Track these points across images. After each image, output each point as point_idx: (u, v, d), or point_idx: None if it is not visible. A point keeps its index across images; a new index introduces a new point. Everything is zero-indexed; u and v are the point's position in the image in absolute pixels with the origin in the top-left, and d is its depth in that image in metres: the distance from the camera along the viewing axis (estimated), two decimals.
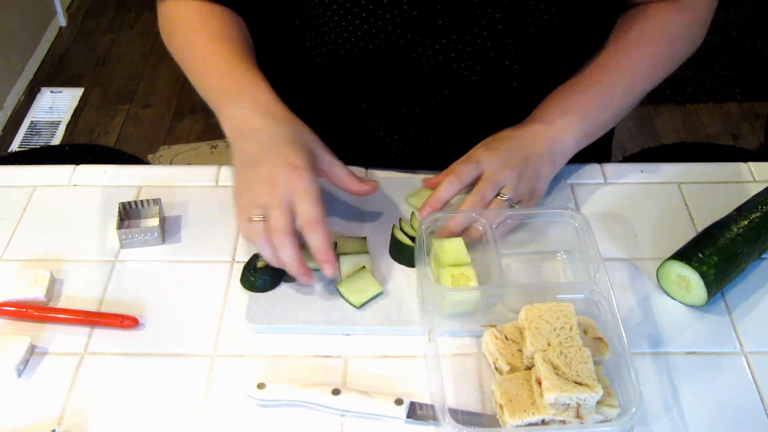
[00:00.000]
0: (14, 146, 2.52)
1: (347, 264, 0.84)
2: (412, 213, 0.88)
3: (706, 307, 0.82)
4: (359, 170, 0.98)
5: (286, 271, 0.79)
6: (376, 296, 0.82)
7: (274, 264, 0.79)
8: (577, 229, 0.85)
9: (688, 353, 0.79)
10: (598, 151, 1.02)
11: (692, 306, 0.83)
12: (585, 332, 0.75)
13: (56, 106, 2.67)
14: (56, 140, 2.54)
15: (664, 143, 2.43)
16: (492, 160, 0.85)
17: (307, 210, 0.76)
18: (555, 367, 0.69)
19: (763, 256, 0.88)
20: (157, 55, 2.90)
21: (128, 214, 0.92)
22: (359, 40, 0.86)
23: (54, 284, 0.85)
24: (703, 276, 0.80)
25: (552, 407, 0.68)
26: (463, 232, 0.85)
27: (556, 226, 0.87)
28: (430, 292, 0.79)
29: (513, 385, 0.71)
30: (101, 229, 0.91)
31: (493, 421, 0.72)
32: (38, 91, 2.73)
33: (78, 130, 2.59)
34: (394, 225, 0.88)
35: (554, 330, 0.72)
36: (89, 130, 2.59)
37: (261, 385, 0.74)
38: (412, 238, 0.86)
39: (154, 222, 0.91)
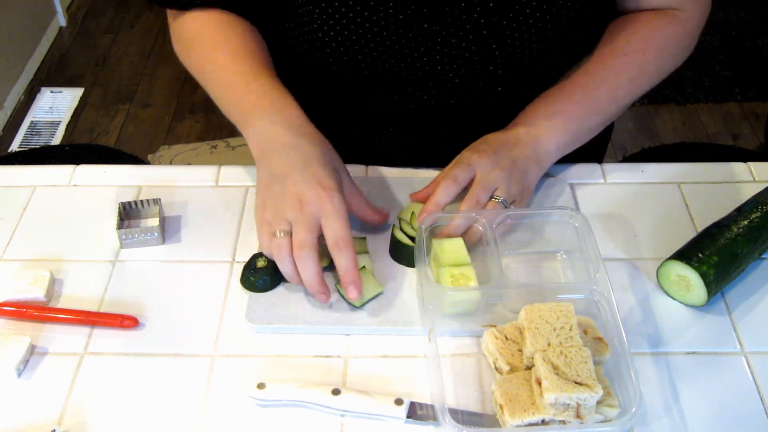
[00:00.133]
0: (14, 146, 2.52)
1: None
2: (412, 213, 0.88)
3: (706, 307, 0.82)
4: (359, 168, 0.99)
5: (306, 287, 0.79)
6: (376, 296, 0.82)
7: (294, 281, 0.80)
8: (577, 229, 0.85)
9: (688, 353, 0.79)
10: (594, 149, 1.02)
11: (692, 306, 0.83)
12: (585, 332, 0.75)
13: (56, 106, 2.67)
14: (56, 140, 2.54)
15: (664, 143, 2.44)
16: (482, 162, 0.86)
17: (337, 230, 0.77)
18: (555, 367, 0.69)
19: (763, 256, 0.88)
20: (157, 55, 2.91)
21: (128, 214, 0.92)
22: (346, 40, 0.87)
23: (54, 284, 0.85)
24: (703, 276, 0.80)
25: (552, 407, 0.68)
26: (462, 234, 0.85)
27: (556, 226, 0.87)
28: (430, 293, 0.79)
29: (513, 385, 0.71)
30: (101, 229, 0.91)
31: (493, 421, 0.72)
32: (38, 91, 2.73)
33: (78, 130, 2.59)
34: (394, 225, 0.88)
35: (554, 330, 0.72)
36: (89, 130, 2.59)
37: (261, 385, 0.74)
38: (412, 238, 0.86)
39: (154, 222, 0.91)
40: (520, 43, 0.88)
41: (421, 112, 0.96)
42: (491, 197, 0.85)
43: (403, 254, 0.86)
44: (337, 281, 0.83)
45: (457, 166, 0.86)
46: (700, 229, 0.88)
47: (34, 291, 0.82)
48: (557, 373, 0.69)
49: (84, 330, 0.81)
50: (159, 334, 0.81)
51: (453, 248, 0.82)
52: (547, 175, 0.97)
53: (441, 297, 0.79)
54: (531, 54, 0.89)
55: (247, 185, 0.97)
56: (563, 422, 0.69)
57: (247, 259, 0.85)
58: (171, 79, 2.78)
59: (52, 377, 0.77)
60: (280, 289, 0.83)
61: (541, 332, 0.72)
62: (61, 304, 0.84)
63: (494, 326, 0.77)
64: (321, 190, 0.78)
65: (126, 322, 0.81)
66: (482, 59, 0.89)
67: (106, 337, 0.80)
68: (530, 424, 0.69)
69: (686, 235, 0.87)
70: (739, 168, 1.00)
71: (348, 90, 0.97)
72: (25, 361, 0.78)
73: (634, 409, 0.68)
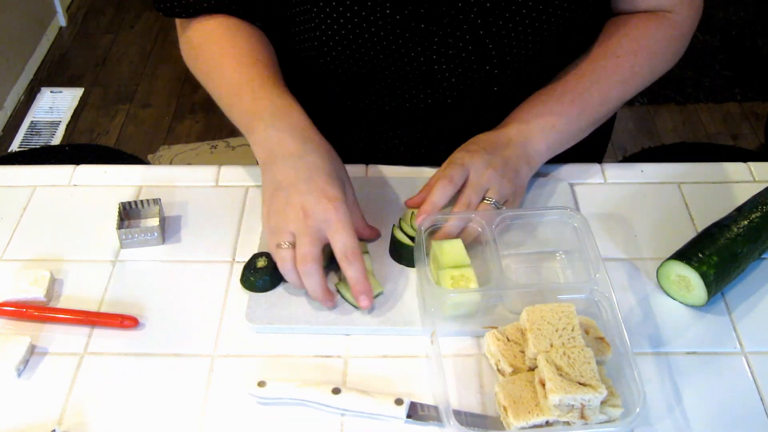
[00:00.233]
0: (14, 146, 2.52)
1: None
2: (412, 213, 0.88)
3: (706, 307, 0.82)
4: (359, 168, 0.98)
5: (311, 296, 0.80)
6: (376, 296, 0.82)
7: (300, 288, 0.80)
8: (576, 229, 0.85)
9: (689, 353, 0.79)
10: (594, 149, 1.02)
11: (692, 306, 0.83)
12: (586, 332, 0.75)
13: (56, 106, 2.67)
14: (56, 140, 2.54)
15: (664, 143, 2.44)
16: (475, 162, 0.86)
17: (345, 242, 0.77)
18: (558, 368, 0.69)
19: (763, 256, 0.88)
20: (157, 55, 2.90)
21: (128, 214, 0.92)
22: (343, 39, 0.87)
23: (54, 284, 0.85)
24: (703, 276, 0.80)
25: (556, 408, 0.68)
26: (459, 234, 0.85)
27: (556, 226, 0.87)
28: (431, 294, 0.79)
29: (516, 387, 0.71)
30: (101, 229, 0.91)
31: (496, 422, 0.72)
32: (38, 91, 2.73)
33: (78, 130, 2.59)
34: (394, 225, 0.88)
35: (556, 331, 0.72)
36: (89, 130, 2.59)
37: (261, 383, 0.74)
38: (412, 238, 0.86)
39: (154, 222, 0.91)
40: (517, 43, 0.88)
41: (419, 112, 0.96)
42: (483, 198, 0.85)
43: (403, 254, 0.86)
44: (338, 281, 0.83)
45: (451, 167, 0.86)
46: (700, 229, 0.88)
47: (34, 291, 0.82)
48: (561, 374, 0.68)
49: (84, 330, 0.81)
50: (159, 334, 0.81)
51: (452, 250, 0.82)
52: (547, 174, 0.97)
53: (442, 299, 0.79)
54: (528, 54, 0.89)
55: (247, 185, 0.97)
56: (567, 423, 0.68)
57: (247, 259, 0.85)
58: (171, 79, 2.77)
59: (52, 377, 0.77)
60: (280, 289, 0.83)
61: (543, 333, 0.72)
62: (61, 304, 0.84)
63: (495, 328, 0.77)
64: (326, 201, 0.78)
65: (126, 322, 0.81)
66: (479, 59, 0.89)
67: (106, 337, 0.80)
68: (534, 426, 0.69)
69: (686, 235, 0.87)
70: (739, 168, 1.00)
71: (347, 90, 0.97)
72: (25, 361, 0.78)
73: (638, 409, 0.68)
